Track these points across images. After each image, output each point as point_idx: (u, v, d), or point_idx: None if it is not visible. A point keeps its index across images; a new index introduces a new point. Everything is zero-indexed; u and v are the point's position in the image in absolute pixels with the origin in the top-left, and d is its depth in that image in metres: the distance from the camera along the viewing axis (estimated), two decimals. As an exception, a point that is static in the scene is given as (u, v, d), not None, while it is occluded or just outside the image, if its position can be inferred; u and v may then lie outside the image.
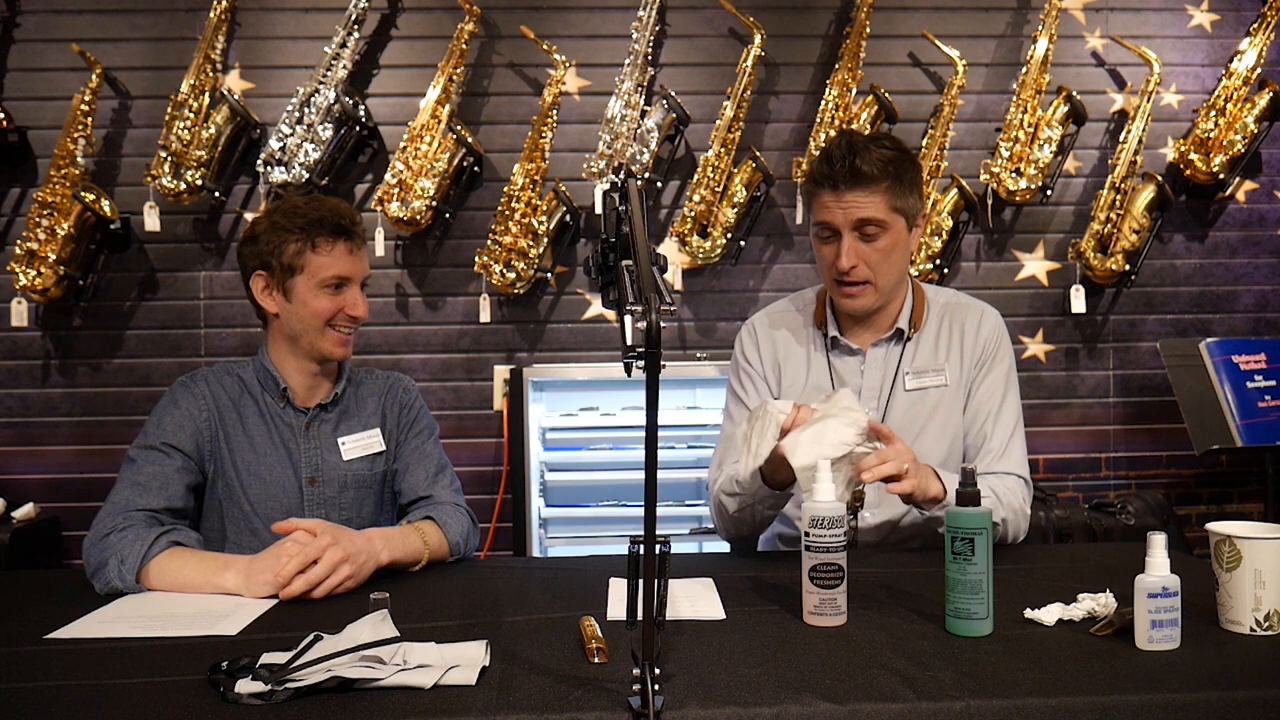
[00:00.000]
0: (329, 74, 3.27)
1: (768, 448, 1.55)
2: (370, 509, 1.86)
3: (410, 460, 1.87)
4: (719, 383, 3.29)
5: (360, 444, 1.84)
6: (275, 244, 1.76)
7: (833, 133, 3.27)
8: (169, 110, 3.25)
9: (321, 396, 1.85)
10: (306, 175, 3.25)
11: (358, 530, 1.59)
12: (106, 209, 3.22)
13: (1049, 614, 1.29)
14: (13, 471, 3.35)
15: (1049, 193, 3.41)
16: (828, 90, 3.37)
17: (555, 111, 3.33)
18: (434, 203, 3.27)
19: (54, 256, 3.19)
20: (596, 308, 3.46)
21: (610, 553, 1.87)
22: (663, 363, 0.95)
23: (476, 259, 3.31)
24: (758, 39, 3.35)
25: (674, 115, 3.31)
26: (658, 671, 1.00)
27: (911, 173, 1.77)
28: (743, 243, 3.40)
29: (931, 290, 1.93)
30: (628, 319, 0.99)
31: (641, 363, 0.95)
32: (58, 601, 1.47)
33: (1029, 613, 1.31)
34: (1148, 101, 3.41)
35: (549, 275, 3.36)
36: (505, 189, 3.32)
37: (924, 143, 3.40)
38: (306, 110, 3.27)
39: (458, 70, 3.33)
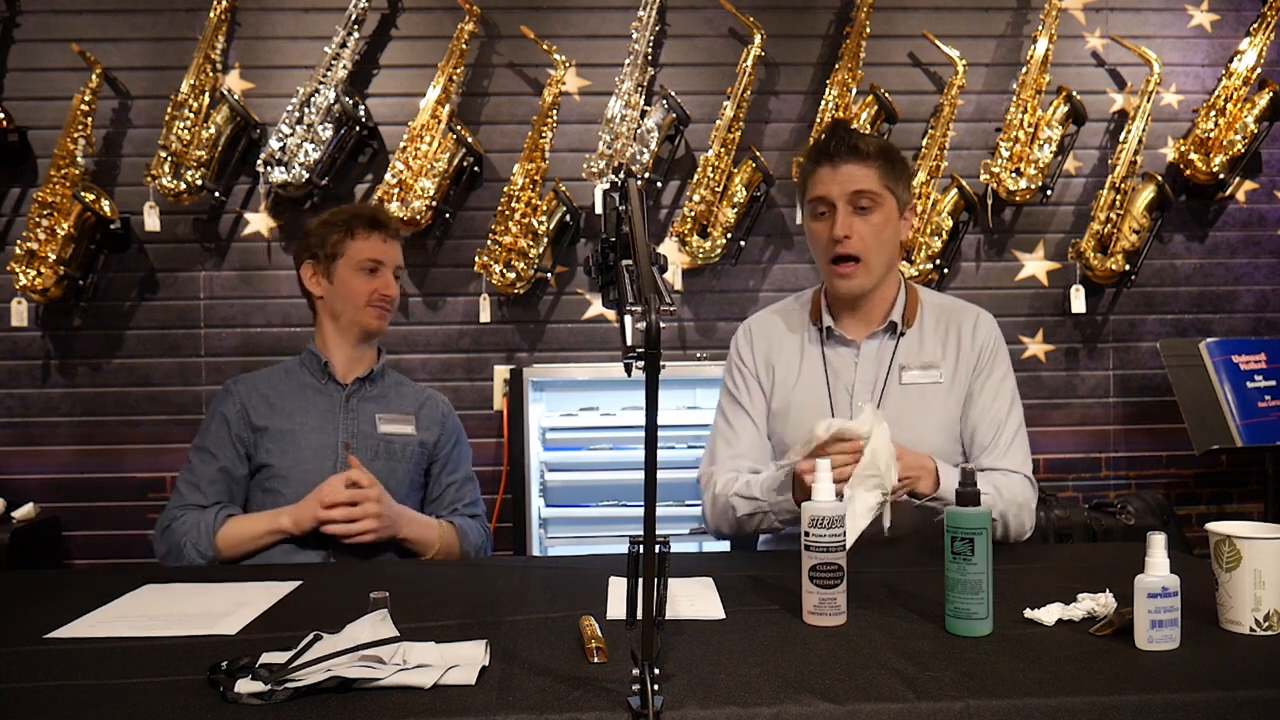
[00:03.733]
0: (329, 74, 3.27)
1: (795, 457, 1.64)
2: (399, 480, 2.04)
3: (448, 466, 2.15)
4: (719, 383, 3.28)
5: (394, 423, 2.09)
6: (322, 236, 2.10)
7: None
8: (169, 110, 3.25)
9: (360, 371, 2.11)
10: (306, 175, 3.25)
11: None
12: (106, 209, 3.22)
13: (1049, 614, 1.29)
14: (13, 471, 3.34)
15: (1049, 193, 3.41)
16: (828, 90, 3.37)
17: (555, 111, 3.33)
18: (434, 203, 3.27)
19: (54, 256, 3.19)
20: (596, 308, 3.46)
21: (610, 553, 1.88)
22: (663, 363, 0.95)
23: (476, 259, 3.31)
24: (758, 39, 3.35)
25: (674, 115, 3.31)
26: (657, 671, 1.00)
27: (901, 164, 1.85)
28: (743, 243, 3.40)
29: (923, 291, 1.97)
30: (628, 319, 0.99)
31: (641, 363, 0.95)
32: (58, 601, 1.47)
33: (1029, 613, 1.31)
34: (1148, 101, 3.41)
35: (549, 275, 3.36)
36: (505, 189, 3.32)
37: (924, 143, 3.40)
38: (306, 110, 3.27)
39: (458, 70, 3.33)
